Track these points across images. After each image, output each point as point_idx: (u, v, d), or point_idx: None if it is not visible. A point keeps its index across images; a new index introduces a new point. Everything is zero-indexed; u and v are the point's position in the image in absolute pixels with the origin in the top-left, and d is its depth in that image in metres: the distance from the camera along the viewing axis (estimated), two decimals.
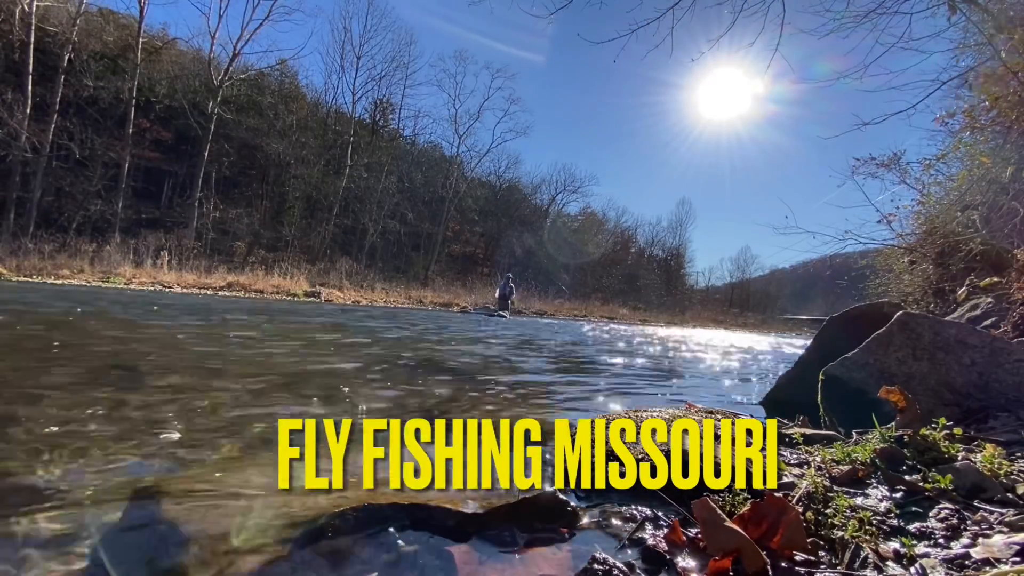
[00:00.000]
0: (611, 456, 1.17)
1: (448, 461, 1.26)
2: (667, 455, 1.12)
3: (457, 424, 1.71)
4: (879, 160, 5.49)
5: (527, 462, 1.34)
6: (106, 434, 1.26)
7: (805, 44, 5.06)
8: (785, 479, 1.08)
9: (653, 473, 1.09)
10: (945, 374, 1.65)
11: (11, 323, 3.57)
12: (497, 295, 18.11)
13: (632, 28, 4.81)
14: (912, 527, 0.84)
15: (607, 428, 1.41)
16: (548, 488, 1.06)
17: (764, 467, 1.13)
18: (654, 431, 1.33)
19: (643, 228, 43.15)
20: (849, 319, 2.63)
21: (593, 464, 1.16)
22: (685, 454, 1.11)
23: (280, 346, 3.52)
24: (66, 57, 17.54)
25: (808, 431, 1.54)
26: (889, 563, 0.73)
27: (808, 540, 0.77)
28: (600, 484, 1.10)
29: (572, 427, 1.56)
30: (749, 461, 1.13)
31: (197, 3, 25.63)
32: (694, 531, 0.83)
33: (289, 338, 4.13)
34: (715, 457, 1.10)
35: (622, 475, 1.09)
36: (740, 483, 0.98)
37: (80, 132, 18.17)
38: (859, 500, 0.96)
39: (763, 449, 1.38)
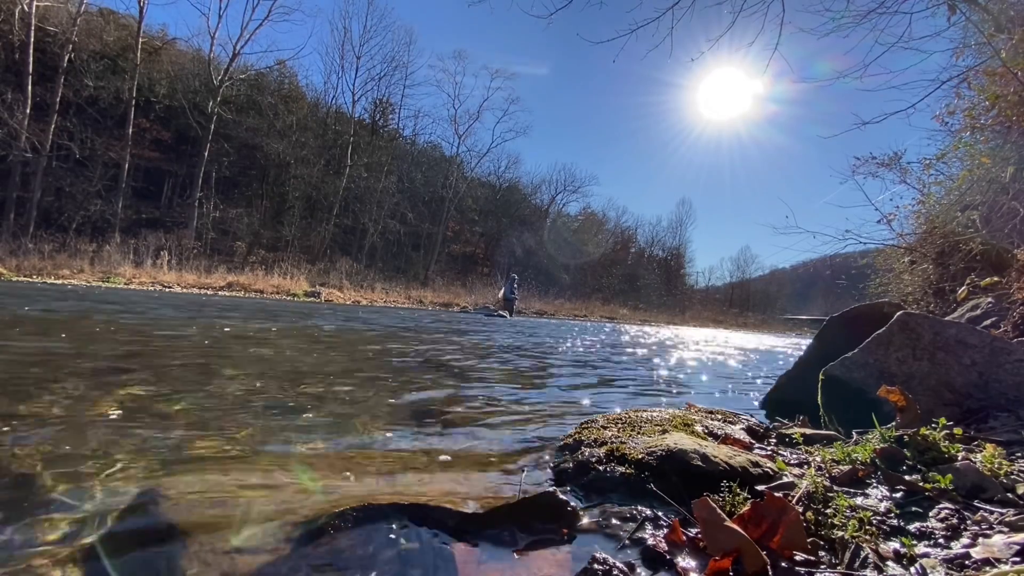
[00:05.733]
0: (612, 455, 1.18)
1: (449, 460, 1.27)
2: (668, 454, 1.12)
3: (459, 424, 1.71)
4: (879, 160, 5.49)
5: (527, 461, 1.34)
6: (106, 433, 1.26)
7: (805, 44, 5.06)
8: (785, 479, 1.07)
9: (654, 472, 1.09)
10: (945, 374, 1.65)
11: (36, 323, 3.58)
12: (501, 295, 18.05)
13: (632, 28, 4.82)
14: (912, 527, 0.84)
15: (608, 427, 1.41)
16: (548, 488, 1.06)
17: (765, 466, 1.13)
18: (654, 430, 1.33)
19: (643, 228, 43.30)
20: (849, 319, 2.63)
21: (594, 463, 1.16)
22: (685, 453, 1.11)
23: (281, 346, 3.52)
24: (66, 57, 17.53)
25: (808, 431, 1.54)
26: (889, 563, 0.73)
27: (808, 540, 0.77)
28: (600, 483, 1.10)
29: (573, 426, 1.56)
30: (749, 461, 1.14)
31: (197, 3, 25.68)
32: (694, 531, 0.83)
33: (293, 337, 4.13)
34: (716, 456, 1.10)
35: (622, 474, 1.09)
36: (740, 483, 0.98)
37: (80, 132, 18.17)
38: (859, 500, 0.96)
39: (764, 448, 1.38)
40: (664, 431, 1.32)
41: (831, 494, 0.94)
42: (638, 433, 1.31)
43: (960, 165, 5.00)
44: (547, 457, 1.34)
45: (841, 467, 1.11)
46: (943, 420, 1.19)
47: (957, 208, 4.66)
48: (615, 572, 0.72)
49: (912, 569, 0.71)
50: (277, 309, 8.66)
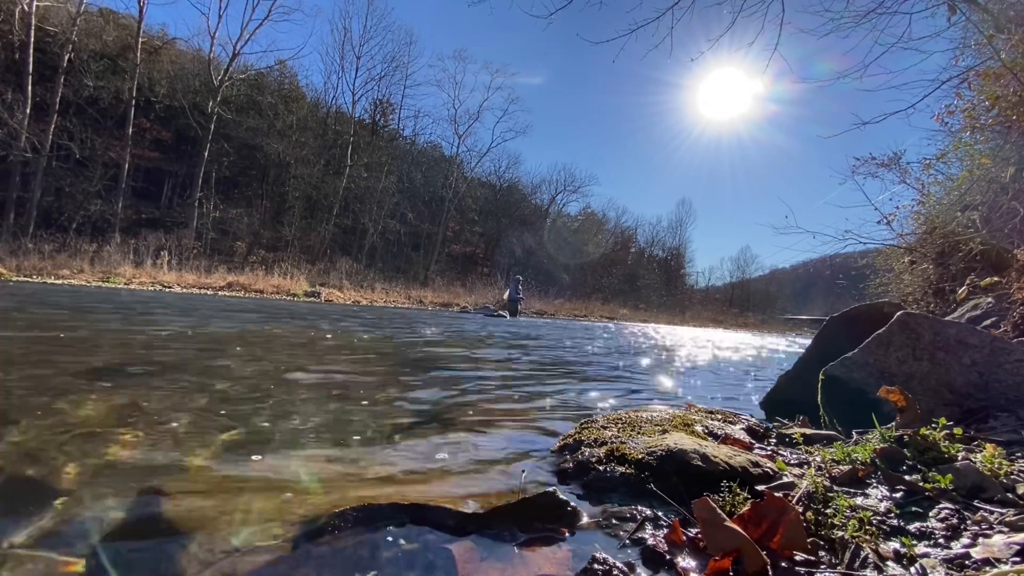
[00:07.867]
0: (612, 455, 1.18)
1: (449, 461, 1.27)
2: (668, 454, 1.12)
3: (459, 425, 1.71)
4: (879, 160, 5.49)
5: (527, 461, 1.33)
6: (107, 433, 1.26)
7: (805, 44, 5.07)
8: (785, 479, 1.07)
9: (654, 472, 1.09)
10: (945, 374, 1.65)
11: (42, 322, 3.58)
12: (507, 296, 18.07)
13: (632, 28, 4.82)
14: (912, 527, 0.84)
15: (608, 427, 1.41)
16: (549, 488, 1.06)
17: (765, 466, 1.13)
18: (655, 430, 1.33)
19: (643, 228, 43.31)
20: (849, 319, 2.62)
21: (594, 463, 1.16)
22: (685, 453, 1.11)
23: (282, 345, 3.52)
24: (66, 57, 17.52)
25: (808, 431, 1.54)
26: (889, 563, 0.73)
27: (808, 540, 0.77)
28: (600, 483, 1.10)
29: (573, 426, 1.56)
30: (749, 460, 1.14)
31: (197, 3, 25.69)
32: (694, 531, 0.83)
33: (291, 337, 4.14)
34: (715, 456, 1.10)
35: (622, 474, 1.09)
36: (740, 483, 0.98)
37: (80, 132, 18.16)
38: (859, 500, 0.96)
39: (764, 448, 1.38)
40: (664, 431, 1.32)
41: (831, 494, 0.94)
42: (638, 433, 1.31)
43: (960, 165, 5.00)
44: (547, 457, 1.34)
45: (841, 467, 1.11)
46: (943, 420, 1.19)
47: (957, 208, 4.66)
48: (615, 572, 0.72)
49: (912, 569, 0.71)
50: (327, 311, 8.67)
